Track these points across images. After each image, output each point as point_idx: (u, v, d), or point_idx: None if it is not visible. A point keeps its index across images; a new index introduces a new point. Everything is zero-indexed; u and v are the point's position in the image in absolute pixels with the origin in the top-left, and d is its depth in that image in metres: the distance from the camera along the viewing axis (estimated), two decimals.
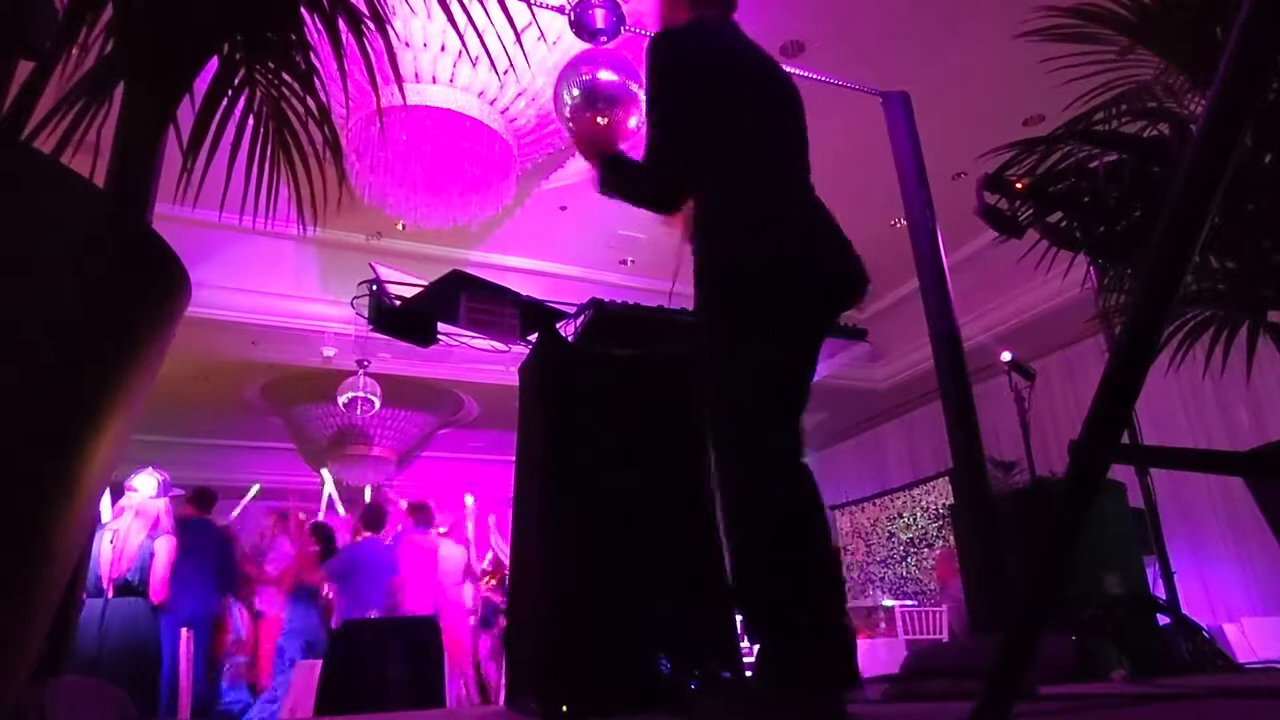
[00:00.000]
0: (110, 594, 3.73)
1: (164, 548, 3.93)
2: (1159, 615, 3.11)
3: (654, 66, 1.81)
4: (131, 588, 3.78)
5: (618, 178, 1.85)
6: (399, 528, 6.86)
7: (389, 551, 5.53)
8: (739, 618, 2.12)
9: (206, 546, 5.36)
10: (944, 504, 8.81)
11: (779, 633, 1.52)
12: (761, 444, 1.61)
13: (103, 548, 3.76)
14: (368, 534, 5.56)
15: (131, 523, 3.89)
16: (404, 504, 7.20)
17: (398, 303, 2.41)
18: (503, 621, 6.62)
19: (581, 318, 2.37)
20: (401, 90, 4.14)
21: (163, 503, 4.10)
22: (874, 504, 10.07)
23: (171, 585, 4.00)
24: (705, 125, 1.74)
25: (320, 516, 7.60)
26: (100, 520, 3.93)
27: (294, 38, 1.21)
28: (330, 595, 5.59)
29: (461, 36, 1.35)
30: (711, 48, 1.85)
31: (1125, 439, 0.98)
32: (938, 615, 6.27)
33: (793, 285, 1.66)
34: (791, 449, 1.65)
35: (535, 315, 2.41)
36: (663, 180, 1.78)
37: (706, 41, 1.87)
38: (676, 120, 1.75)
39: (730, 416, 1.63)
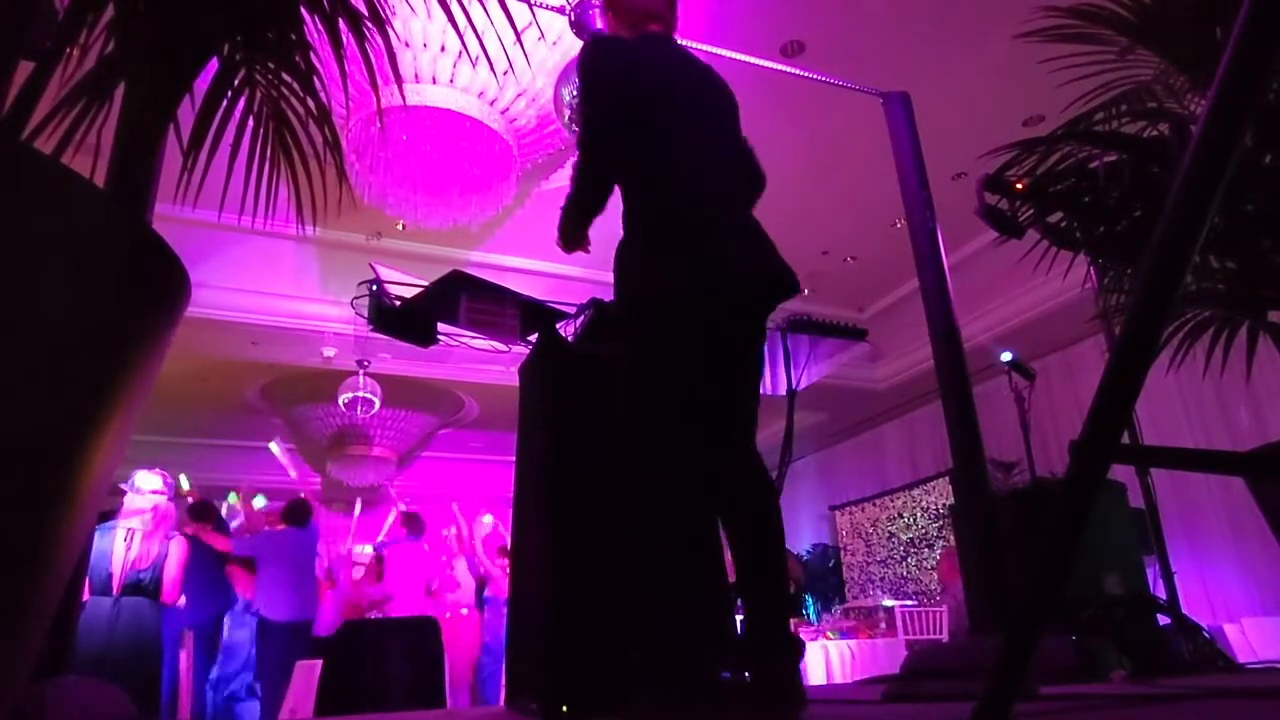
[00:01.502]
0: (117, 592, 3.72)
1: (176, 549, 3.97)
2: (1159, 615, 3.10)
3: (582, 73, 1.90)
4: (141, 588, 3.77)
5: (563, 231, 1.99)
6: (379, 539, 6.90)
7: (301, 546, 5.59)
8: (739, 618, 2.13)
9: (216, 553, 5.40)
10: (944, 504, 8.81)
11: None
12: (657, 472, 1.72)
13: (115, 545, 3.75)
14: (285, 526, 5.64)
15: (148, 523, 3.89)
16: (403, 506, 7.21)
17: (398, 303, 2.41)
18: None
19: (581, 318, 2.37)
20: (401, 90, 4.14)
21: (172, 505, 4.12)
22: (874, 504, 10.07)
23: (182, 588, 4.03)
24: (625, 134, 1.83)
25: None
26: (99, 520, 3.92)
27: (294, 38, 1.21)
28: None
29: (461, 37, 1.35)
30: (637, 63, 1.92)
31: (1125, 439, 0.98)
32: (938, 615, 6.26)
33: (704, 304, 1.74)
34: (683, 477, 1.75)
35: (535, 315, 2.41)
36: (584, 182, 1.89)
37: (633, 56, 1.93)
38: (599, 128, 1.84)
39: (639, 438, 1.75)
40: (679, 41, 2.10)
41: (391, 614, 5.91)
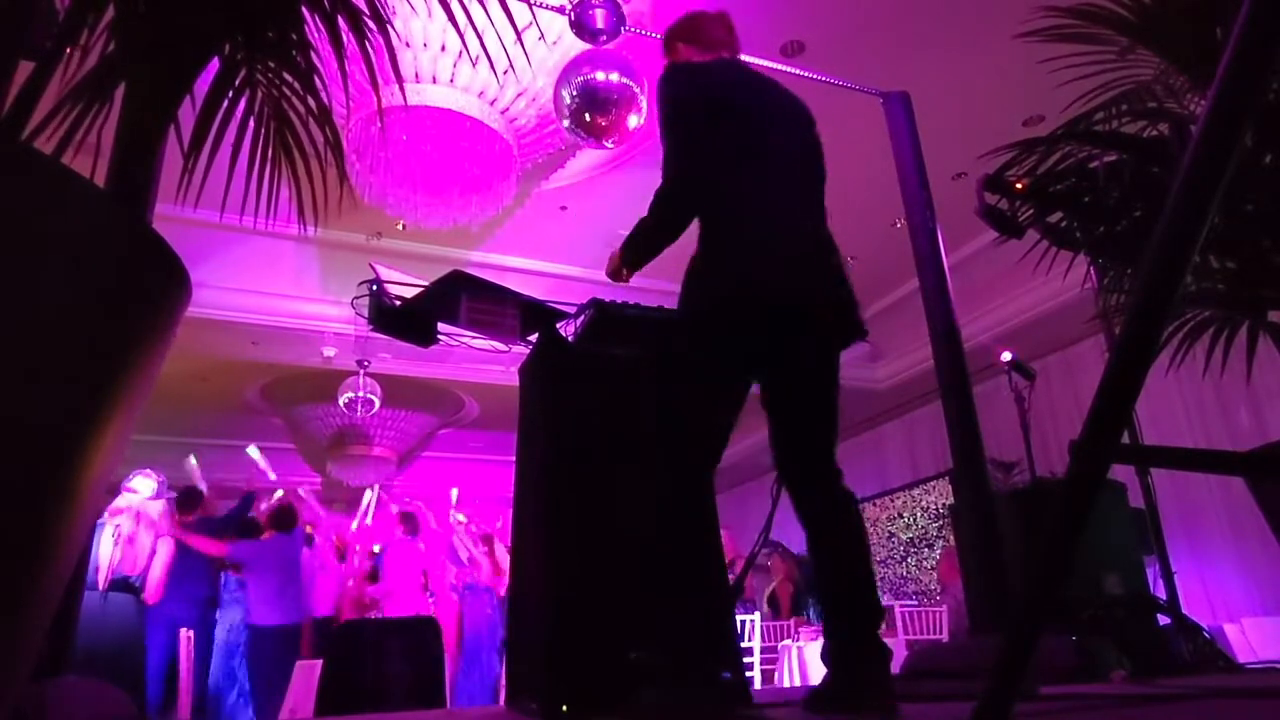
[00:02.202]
0: (104, 588, 3.73)
1: (164, 550, 3.98)
2: (1159, 615, 3.10)
3: (667, 97, 1.88)
4: (128, 585, 3.78)
5: (629, 250, 1.94)
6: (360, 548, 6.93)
7: (288, 551, 5.62)
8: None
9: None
10: (944, 504, 8.80)
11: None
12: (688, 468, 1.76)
13: (102, 541, 3.77)
14: (274, 533, 5.64)
15: (138, 524, 3.90)
16: (395, 507, 7.22)
17: (398, 303, 2.40)
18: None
19: (581, 318, 2.37)
20: (402, 90, 4.14)
21: (161, 504, 4.13)
22: (874, 504, 10.06)
23: (168, 587, 4.03)
24: (710, 156, 1.82)
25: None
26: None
27: (294, 37, 1.21)
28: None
29: (462, 37, 1.35)
30: (721, 85, 1.93)
31: (1125, 439, 0.98)
32: (938, 615, 6.26)
33: (753, 319, 1.74)
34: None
35: (535, 315, 2.40)
36: (670, 204, 1.85)
37: (716, 78, 1.95)
38: (686, 150, 1.83)
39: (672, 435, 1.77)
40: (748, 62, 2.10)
41: (390, 612, 5.92)
